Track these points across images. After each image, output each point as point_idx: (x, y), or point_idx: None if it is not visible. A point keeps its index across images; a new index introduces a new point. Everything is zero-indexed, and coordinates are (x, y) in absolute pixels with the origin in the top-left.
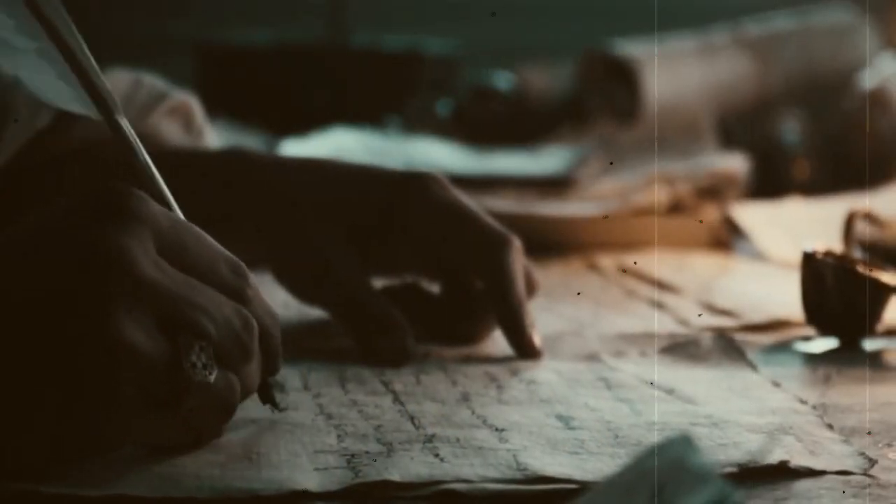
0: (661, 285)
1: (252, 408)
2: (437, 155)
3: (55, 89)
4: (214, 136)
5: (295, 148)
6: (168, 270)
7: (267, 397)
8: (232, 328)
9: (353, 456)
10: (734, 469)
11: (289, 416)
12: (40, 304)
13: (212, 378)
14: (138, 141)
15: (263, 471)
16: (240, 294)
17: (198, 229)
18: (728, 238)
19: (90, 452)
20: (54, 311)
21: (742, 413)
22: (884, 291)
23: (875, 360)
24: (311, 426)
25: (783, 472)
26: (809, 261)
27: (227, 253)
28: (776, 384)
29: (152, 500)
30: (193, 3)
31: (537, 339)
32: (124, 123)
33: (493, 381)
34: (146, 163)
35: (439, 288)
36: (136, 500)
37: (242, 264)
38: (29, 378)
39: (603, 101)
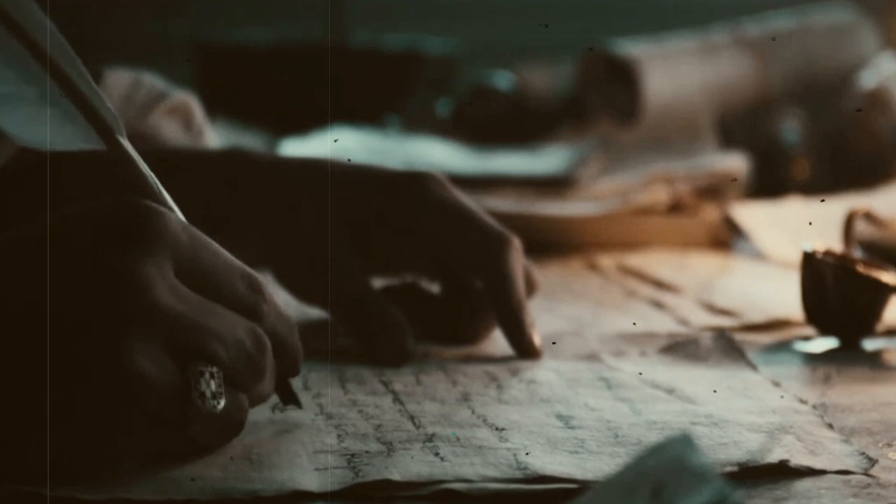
0: (661, 285)
1: (252, 408)
2: (437, 155)
3: (59, 133)
4: (214, 136)
5: (295, 148)
6: (183, 294)
7: (289, 398)
8: (244, 351)
9: (353, 456)
10: (734, 468)
11: (289, 416)
12: (50, 321)
13: (220, 407)
14: (141, 160)
15: (264, 471)
16: (254, 311)
17: (214, 244)
18: (728, 238)
19: (94, 469)
20: (64, 331)
21: (742, 412)
22: (884, 291)
23: (875, 360)
24: (311, 426)
25: (783, 472)
26: (809, 260)
27: (244, 267)
28: (776, 384)
29: (153, 502)
30: (193, 3)
31: (537, 339)
32: (125, 143)
33: (493, 380)
34: (152, 179)
35: (439, 288)
36: None
37: (258, 278)
38: (33, 394)
39: (603, 101)
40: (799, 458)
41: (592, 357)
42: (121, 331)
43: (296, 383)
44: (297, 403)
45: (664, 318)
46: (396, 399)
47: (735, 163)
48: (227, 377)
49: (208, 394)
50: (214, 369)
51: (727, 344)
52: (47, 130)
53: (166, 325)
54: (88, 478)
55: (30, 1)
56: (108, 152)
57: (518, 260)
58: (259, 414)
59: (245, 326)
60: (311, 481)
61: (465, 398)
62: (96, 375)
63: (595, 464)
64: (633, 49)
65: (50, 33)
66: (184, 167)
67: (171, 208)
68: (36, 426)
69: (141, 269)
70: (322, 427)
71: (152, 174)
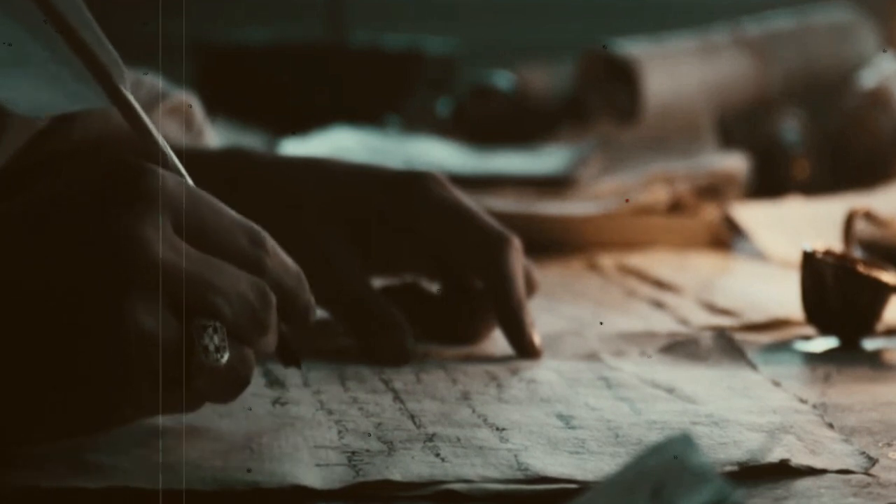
0: (661, 285)
1: (253, 400)
2: (437, 155)
3: (57, 94)
4: (214, 136)
5: (295, 148)
6: (184, 251)
7: (289, 359)
8: (247, 304)
9: (353, 453)
10: (734, 468)
11: (289, 409)
12: (51, 286)
13: (223, 361)
14: (140, 109)
15: (265, 463)
16: (257, 264)
17: (215, 200)
18: (728, 238)
19: (99, 428)
20: (65, 295)
21: (742, 412)
22: (884, 291)
23: (875, 360)
24: (312, 420)
25: (784, 471)
26: (809, 260)
27: (244, 221)
28: (776, 383)
29: (153, 492)
30: (193, 3)
31: (537, 339)
32: (126, 92)
33: (493, 379)
34: (150, 130)
35: (439, 288)
36: (136, 493)
37: (260, 230)
38: (36, 359)
39: (603, 101)
40: (799, 458)
41: (592, 357)
42: (121, 290)
43: (295, 380)
44: (298, 364)
45: (664, 318)
46: (397, 397)
47: (735, 163)
48: (230, 332)
49: (211, 348)
50: (217, 324)
51: (727, 344)
52: (45, 91)
53: (167, 281)
54: (95, 437)
55: None
56: (107, 129)
57: (518, 260)
58: (260, 406)
59: (248, 280)
60: (311, 477)
61: (466, 397)
62: (98, 335)
63: (595, 464)
64: (633, 49)
65: None
66: (183, 167)
67: (174, 163)
68: (40, 391)
69: (139, 228)
70: (323, 422)
71: (154, 127)
